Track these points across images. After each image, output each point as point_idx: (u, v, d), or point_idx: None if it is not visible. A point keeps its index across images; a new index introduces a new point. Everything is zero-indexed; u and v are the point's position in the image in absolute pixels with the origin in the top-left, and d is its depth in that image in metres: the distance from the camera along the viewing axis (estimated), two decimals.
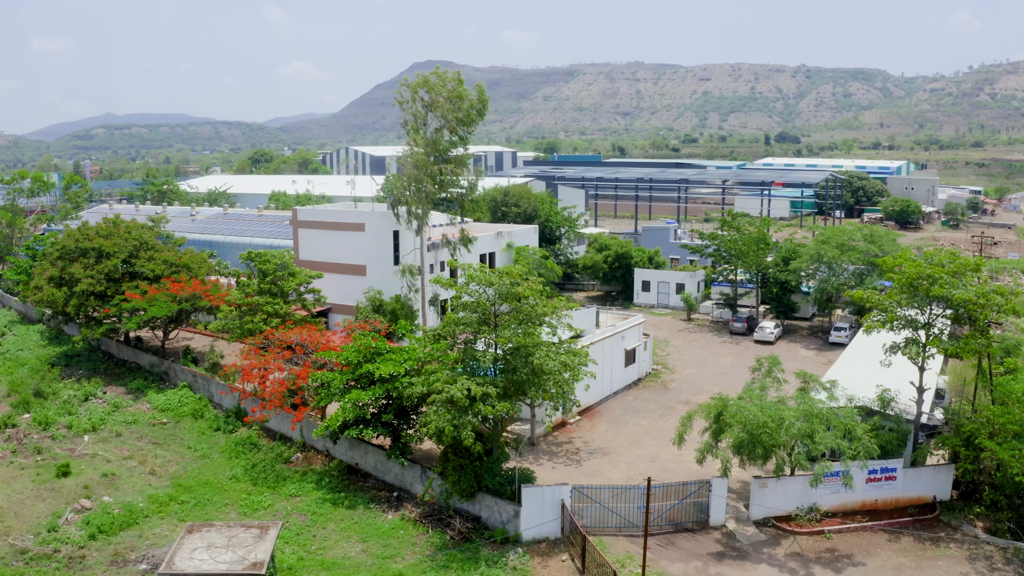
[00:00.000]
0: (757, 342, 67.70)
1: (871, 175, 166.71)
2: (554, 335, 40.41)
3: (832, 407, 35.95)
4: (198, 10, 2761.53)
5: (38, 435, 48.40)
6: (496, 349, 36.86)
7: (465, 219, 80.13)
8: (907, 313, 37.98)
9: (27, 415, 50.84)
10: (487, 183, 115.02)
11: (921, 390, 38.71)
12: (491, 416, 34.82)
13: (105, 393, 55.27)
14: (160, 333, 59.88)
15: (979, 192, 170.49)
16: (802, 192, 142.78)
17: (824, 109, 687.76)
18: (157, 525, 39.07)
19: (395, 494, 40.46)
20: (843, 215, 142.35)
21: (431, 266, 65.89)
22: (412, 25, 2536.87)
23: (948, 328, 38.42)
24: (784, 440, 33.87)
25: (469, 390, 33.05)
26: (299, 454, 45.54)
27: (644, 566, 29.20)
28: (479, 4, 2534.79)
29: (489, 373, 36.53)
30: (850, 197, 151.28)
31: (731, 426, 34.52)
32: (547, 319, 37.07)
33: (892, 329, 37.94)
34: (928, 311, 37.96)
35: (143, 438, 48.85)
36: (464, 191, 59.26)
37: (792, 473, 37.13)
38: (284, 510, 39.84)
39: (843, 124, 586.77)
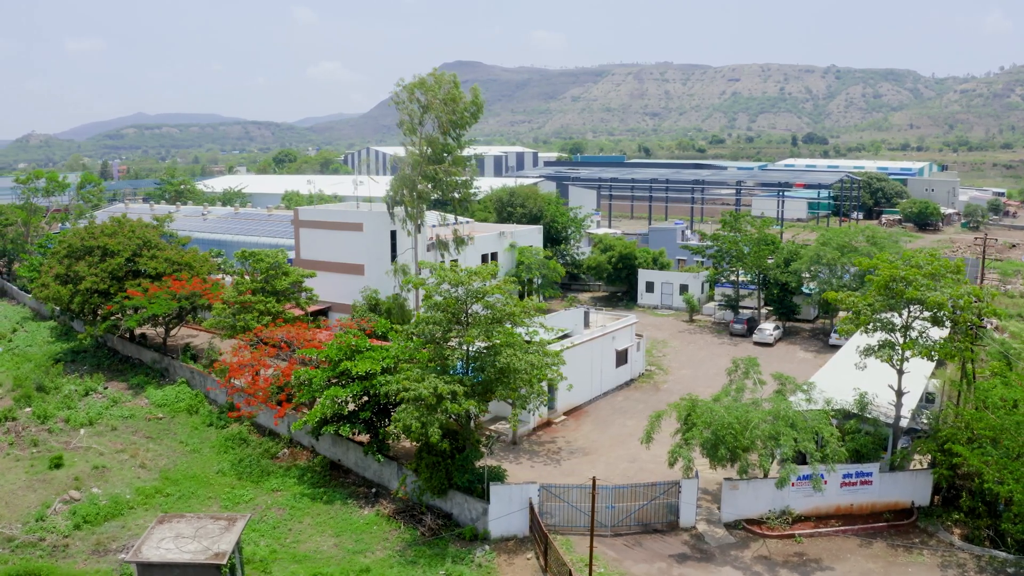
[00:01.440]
0: (756, 344, 67.30)
1: (892, 176, 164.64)
2: (535, 335, 40.65)
3: (801, 410, 35.74)
4: (228, 11, 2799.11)
5: (36, 428, 49.70)
6: (466, 348, 37.20)
7: (467, 219, 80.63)
8: (882, 316, 37.66)
9: (28, 409, 52.15)
10: (495, 183, 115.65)
11: (900, 393, 38.31)
12: (459, 414, 35.18)
13: (106, 388, 56.49)
14: (162, 330, 61.06)
15: (1002, 194, 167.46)
16: (818, 193, 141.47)
17: (854, 110, 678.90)
18: (141, 516, 39.96)
19: (373, 490, 41.03)
20: (861, 216, 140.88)
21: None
22: (441, 26, 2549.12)
23: (927, 330, 37.98)
24: (747, 442, 33.80)
25: (436, 388, 33.46)
26: (286, 450, 46.28)
27: (591, 566, 29.38)
28: (508, 5, 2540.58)
29: (460, 372, 36.91)
30: (869, 198, 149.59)
31: (697, 426, 34.57)
32: (517, 319, 37.27)
33: (866, 332, 37.71)
34: (906, 314, 37.64)
35: (138, 432, 49.95)
36: (459, 192, 59.70)
37: (765, 475, 37.05)
38: (264, 504, 40.59)
39: (872, 125, 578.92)
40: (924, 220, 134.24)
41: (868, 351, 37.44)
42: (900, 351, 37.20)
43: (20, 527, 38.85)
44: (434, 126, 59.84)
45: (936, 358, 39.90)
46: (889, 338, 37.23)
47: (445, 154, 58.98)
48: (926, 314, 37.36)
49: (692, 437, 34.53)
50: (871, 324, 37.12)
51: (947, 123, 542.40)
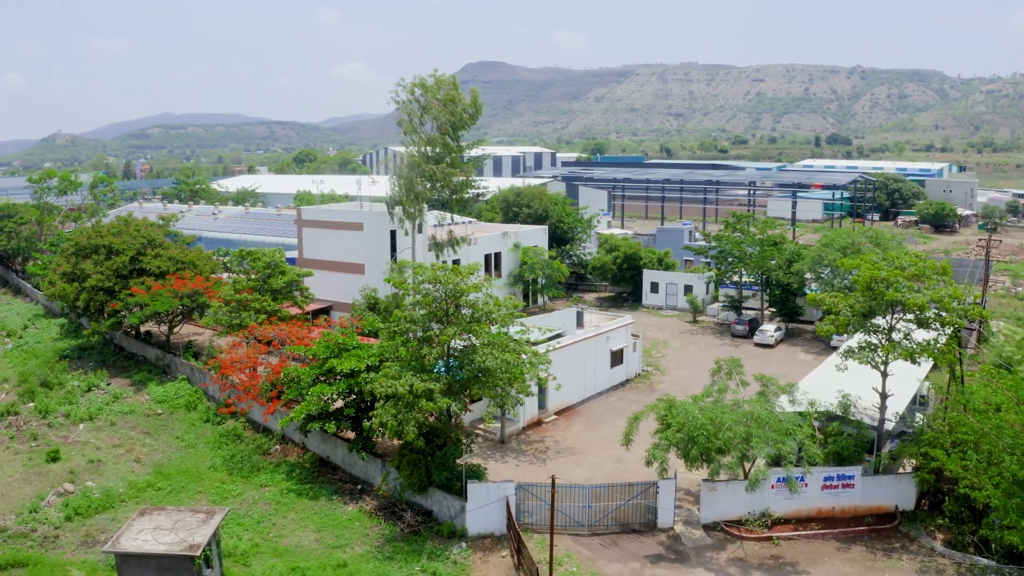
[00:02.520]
0: (757, 345, 66.99)
1: (910, 177, 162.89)
2: (523, 334, 40.86)
3: (779, 412, 35.65)
4: (252, 11, 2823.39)
5: (37, 423, 50.69)
6: (444, 347, 37.51)
7: (470, 219, 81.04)
8: (867, 318, 37.46)
9: (31, 404, 53.23)
10: (505, 184, 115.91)
11: (884, 396, 38.09)
12: (439, 412, 35.49)
13: (109, 384, 57.47)
14: (166, 327, 62.02)
15: (1022, 195, 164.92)
16: (833, 194, 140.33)
17: (879, 111, 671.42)
18: (131, 509, 40.53)
19: (359, 487, 41.48)
20: (877, 218, 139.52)
21: (431, 266, 66.93)
22: (465, 26, 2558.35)
23: (912, 332, 37.72)
24: (720, 444, 33.77)
25: (412, 386, 33.82)
26: (278, 446, 46.90)
27: (551, 564, 29.56)
28: (532, 5, 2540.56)
29: (441, 370, 37.24)
30: (885, 200, 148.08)
31: (672, 427, 34.62)
32: (498, 318, 37.52)
33: (847, 333, 37.51)
34: (889, 315, 37.41)
35: (135, 428, 50.80)
36: (457, 192, 60.13)
37: (745, 477, 36.93)
38: (252, 499, 41.16)
39: (897, 126, 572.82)
40: (940, 221, 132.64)
41: (849, 353, 37.26)
42: (882, 353, 36.96)
43: (14, 518, 39.69)
44: (433, 127, 60.38)
45: (930, 360, 39.58)
46: (870, 340, 37.01)
47: (447, 154, 59.48)
48: (910, 316, 37.11)
49: (667, 438, 34.59)
50: (850, 325, 36.91)
51: (972, 124, 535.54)
